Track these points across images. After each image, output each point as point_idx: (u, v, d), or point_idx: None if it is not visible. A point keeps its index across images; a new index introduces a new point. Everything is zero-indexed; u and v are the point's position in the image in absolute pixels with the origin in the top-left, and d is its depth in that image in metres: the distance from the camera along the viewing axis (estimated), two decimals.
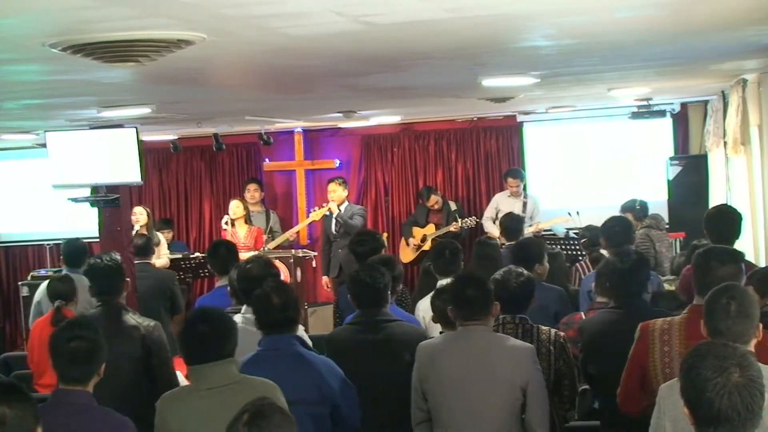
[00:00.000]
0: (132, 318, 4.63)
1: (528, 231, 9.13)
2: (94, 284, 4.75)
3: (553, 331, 4.34)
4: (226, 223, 9.46)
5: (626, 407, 3.82)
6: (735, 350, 2.34)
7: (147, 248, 7.39)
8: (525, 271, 4.40)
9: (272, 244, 9.71)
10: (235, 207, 9.43)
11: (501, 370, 3.78)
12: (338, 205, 9.48)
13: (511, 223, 7.43)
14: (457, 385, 3.81)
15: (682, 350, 3.52)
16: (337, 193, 9.53)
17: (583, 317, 4.85)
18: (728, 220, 5.26)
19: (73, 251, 6.98)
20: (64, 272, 6.66)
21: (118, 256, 4.86)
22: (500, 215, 9.98)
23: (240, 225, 9.38)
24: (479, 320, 3.86)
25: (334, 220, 9.44)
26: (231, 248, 5.96)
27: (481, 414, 3.77)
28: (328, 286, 9.52)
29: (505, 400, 3.76)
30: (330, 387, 3.78)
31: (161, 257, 9.01)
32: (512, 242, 7.17)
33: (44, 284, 6.89)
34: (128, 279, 4.83)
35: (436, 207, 10.09)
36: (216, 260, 5.72)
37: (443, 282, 5.09)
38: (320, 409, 3.73)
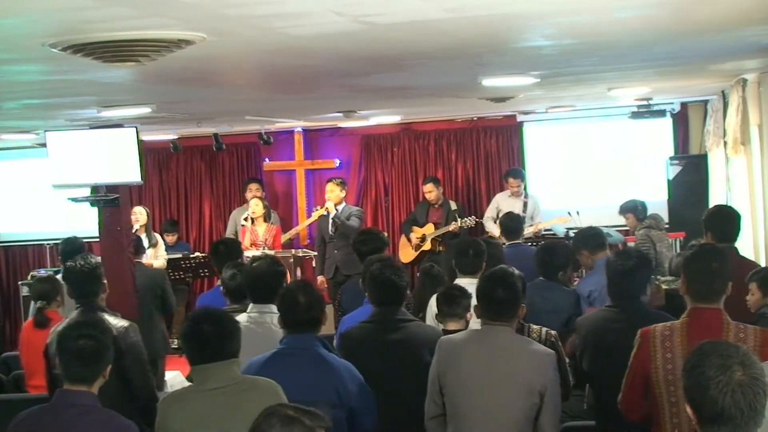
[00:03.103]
0: (107, 320, 4.60)
1: (528, 231, 9.14)
2: (71, 287, 4.72)
3: (544, 329, 4.35)
4: (245, 219, 9.49)
5: (630, 415, 3.79)
6: (738, 349, 2.34)
7: (138, 248, 7.40)
8: (516, 271, 4.41)
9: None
10: (255, 205, 9.45)
11: (521, 373, 3.74)
12: (335, 206, 9.48)
13: (511, 223, 7.43)
14: (475, 383, 3.77)
15: (686, 355, 3.49)
16: (334, 193, 9.51)
17: None
18: (728, 220, 5.27)
19: (72, 251, 6.98)
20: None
21: (94, 259, 4.84)
22: (501, 215, 10.02)
23: (259, 223, 9.41)
24: (505, 321, 3.83)
25: (331, 221, 9.43)
26: (230, 246, 5.96)
27: (496, 414, 3.74)
28: (324, 286, 9.52)
29: (522, 402, 3.73)
30: (348, 391, 3.75)
31: (158, 258, 9.01)
32: (513, 242, 7.21)
33: None
34: (105, 281, 4.79)
35: (431, 198, 10.01)
36: (216, 258, 5.74)
37: (462, 281, 5.07)
38: (337, 412, 3.69)
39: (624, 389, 3.77)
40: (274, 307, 4.43)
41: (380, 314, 4.39)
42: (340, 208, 9.51)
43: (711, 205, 9.19)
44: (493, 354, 3.79)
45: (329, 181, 9.74)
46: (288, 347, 3.81)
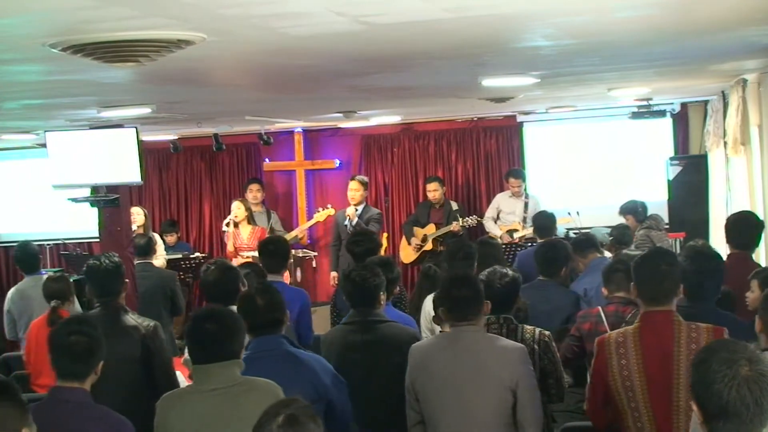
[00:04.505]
0: (131, 318, 4.60)
1: (527, 232, 9.14)
2: (93, 286, 4.72)
3: (537, 330, 4.35)
4: (227, 224, 9.46)
5: (595, 421, 3.84)
6: (746, 346, 2.35)
7: (148, 248, 7.40)
8: (510, 271, 4.42)
9: None
10: (237, 208, 9.41)
11: (491, 371, 3.77)
12: (356, 205, 9.47)
13: (544, 221, 7.48)
14: (448, 386, 3.81)
15: (640, 361, 3.56)
16: (359, 192, 9.50)
17: (601, 311, 4.87)
18: (745, 227, 5.29)
19: (26, 257, 7.00)
20: (45, 274, 6.71)
21: (117, 257, 4.84)
22: (502, 215, 10.03)
23: (243, 226, 9.38)
24: (470, 321, 3.86)
25: (349, 224, 9.38)
26: (279, 245, 5.91)
27: (472, 414, 3.77)
28: (335, 281, 9.50)
29: (496, 400, 3.76)
30: (323, 383, 3.80)
31: (158, 257, 9.00)
32: (545, 239, 7.26)
33: (11, 292, 6.94)
34: (127, 280, 4.79)
35: (434, 196, 10.00)
36: (266, 259, 5.68)
37: None
38: (316, 407, 3.71)
39: (588, 396, 3.81)
40: (234, 309, 4.43)
41: (354, 316, 4.43)
42: (360, 207, 9.50)
43: (711, 205, 9.21)
44: (462, 355, 3.82)
45: (353, 179, 9.72)
46: (255, 351, 3.79)
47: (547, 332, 4.39)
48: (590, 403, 3.82)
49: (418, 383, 3.89)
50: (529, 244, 8.24)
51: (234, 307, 4.41)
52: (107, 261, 4.71)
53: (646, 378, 3.53)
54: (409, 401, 3.96)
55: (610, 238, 7.65)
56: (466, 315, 3.85)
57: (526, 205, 9.82)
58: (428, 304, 5.27)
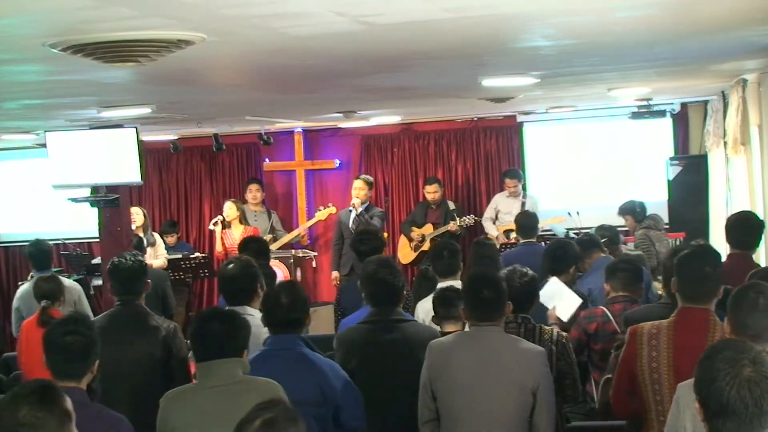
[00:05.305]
0: (153, 319, 4.61)
1: None
2: (116, 284, 4.67)
3: (555, 330, 4.34)
4: (215, 224, 9.44)
5: (618, 410, 3.86)
6: (752, 348, 2.37)
7: (139, 248, 7.38)
8: (529, 271, 4.40)
9: (277, 244, 9.71)
10: (228, 208, 9.40)
11: (512, 372, 3.76)
12: (361, 203, 9.48)
13: (527, 221, 7.48)
14: (466, 386, 3.79)
15: (670, 355, 3.55)
16: (363, 191, 9.50)
17: (606, 311, 4.88)
18: (745, 228, 5.29)
19: (40, 252, 6.98)
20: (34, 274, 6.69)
21: (141, 256, 4.82)
22: (500, 215, 10.02)
23: (235, 226, 9.37)
24: (493, 321, 3.84)
25: (352, 218, 9.38)
26: (260, 244, 5.90)
27: (489, 415, 3.76)
28: (337, 281, 9.48)
29: (515, 402, 3.75)
30: (333, 389, 3.78)
31: (158, 257, 8.99)
32: (528, 240, 7.26)
33: (21, 289, 6.94)
34: (149, 281, 4.77)
35: (433, 198, 9.99)
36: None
37: (445, 284, 5.08)
38: (322, 411, 3.72)
39: (614, 384, 3.82)
40: (249, 309, 4.41)
41: (376, 315, 4.39)
42: (364, 206, 9.50)
43: (711, 205, 9.21)
44: (483, 355, 3.80)
45: (357, 177, 9.72)
46: (271, 348, 3.83)
47: (564, 333, 4.40)
48: (615, 392, 3.80)
49: (437, 381, 3.87)
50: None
51: (247, 308, 4.42)
52: (132, 259, 4.67)
53: (674, 372, 3.52)
54: (424, 398, 3.93)
55: (603, 239, 7.66)
56: (490, 315, 3.83)
57: (523, 204, 9.80)
58: (421, 310, 5.26)
